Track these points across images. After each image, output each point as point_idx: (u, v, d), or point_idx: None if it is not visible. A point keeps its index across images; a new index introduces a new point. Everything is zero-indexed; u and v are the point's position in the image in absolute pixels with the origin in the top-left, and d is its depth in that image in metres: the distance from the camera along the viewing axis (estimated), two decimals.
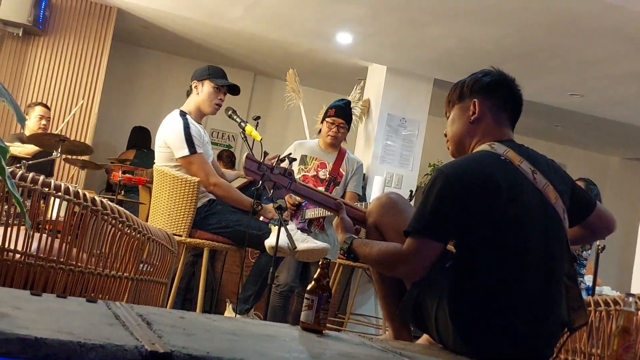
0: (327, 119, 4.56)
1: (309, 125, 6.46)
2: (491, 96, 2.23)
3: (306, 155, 4.58)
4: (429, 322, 2.08)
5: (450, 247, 2.14)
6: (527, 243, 2.01)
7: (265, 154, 4.26)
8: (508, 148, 2.12)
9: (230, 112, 3.92)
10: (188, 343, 1.27)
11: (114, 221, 2.40)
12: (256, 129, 4.82)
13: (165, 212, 3.80)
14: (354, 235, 2.28)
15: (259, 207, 3.73)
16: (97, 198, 2.38)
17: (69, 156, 5.46)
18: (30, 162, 4.79)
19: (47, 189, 2.23)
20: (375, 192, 5.61)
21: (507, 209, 2.00)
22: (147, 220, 3.94)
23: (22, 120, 1.66)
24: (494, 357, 1.96)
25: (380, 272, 2.31)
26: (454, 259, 2.08)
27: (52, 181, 2.27)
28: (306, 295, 1.88)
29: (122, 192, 5.83)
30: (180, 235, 3.74)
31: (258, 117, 3.89)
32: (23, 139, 5.49)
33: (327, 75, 7.71)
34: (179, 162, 3.75)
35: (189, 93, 3.88)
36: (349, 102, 4.75)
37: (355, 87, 6.51)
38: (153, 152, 7.17)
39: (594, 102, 6.43)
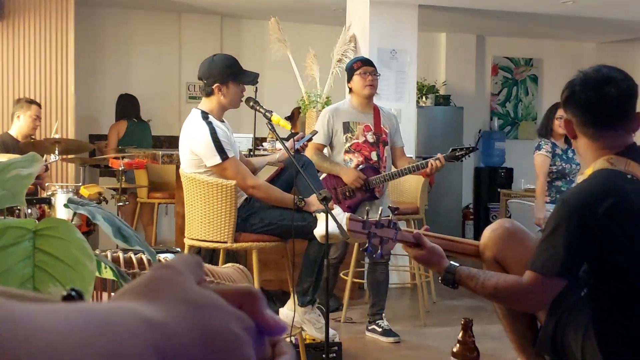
0: (357, 72, 4.34)
1: (300, 71, 6.17)
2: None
3: (349, 122, 4.39)
4: (572, 355, 2.01)
5: None
6: None
7: (294, 134, 4.08)
8: (629, 160, 2.00)
9: (252, 103, 3.68)
10: None
11: None
12: (255, 93, 4.58)
13: (204, 220, 3.62)
14: (454, 264, 2.13)
15: (302, 202, 3.58)
16: None
17: (66, 156, 5.16)
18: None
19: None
20: None
21: None
22: (185, 230, 3.77)
23: (154, 258, 1.49)
24: None
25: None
26: (589, 287, 2.00)
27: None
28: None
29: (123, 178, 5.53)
30: (226, 242, 3.59)
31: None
32: (8, 144, 5.12)
33: (305, 11, 7.35)
34: (211, 169, 3.54)
35: (208, 93, 3.57)
36: None
37: (343, 29, 6.21)
38: (144, 122, 6.91)
39: (586, 5, 6.25)
